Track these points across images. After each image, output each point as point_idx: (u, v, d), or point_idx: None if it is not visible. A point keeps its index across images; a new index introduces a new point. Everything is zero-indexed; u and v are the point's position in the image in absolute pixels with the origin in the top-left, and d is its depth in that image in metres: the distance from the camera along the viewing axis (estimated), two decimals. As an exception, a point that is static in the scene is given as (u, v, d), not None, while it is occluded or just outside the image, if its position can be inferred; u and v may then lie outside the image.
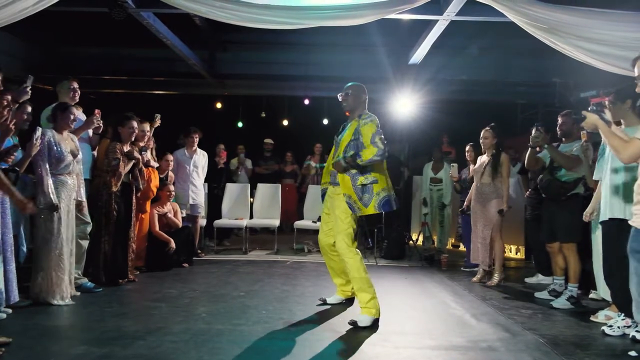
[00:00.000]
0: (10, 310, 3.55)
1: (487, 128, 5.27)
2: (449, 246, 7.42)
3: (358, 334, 3.41)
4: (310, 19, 4.76)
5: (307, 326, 3.56)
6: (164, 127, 5.73)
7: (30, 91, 3.93)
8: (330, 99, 9.68)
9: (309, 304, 4.20)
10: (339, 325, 3.60)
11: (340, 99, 3.94)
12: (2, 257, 3.20)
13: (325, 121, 10.40)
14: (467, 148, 6.09)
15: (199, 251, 6.40)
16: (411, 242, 7.22)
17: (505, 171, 5.14)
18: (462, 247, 7.35)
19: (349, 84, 3.99)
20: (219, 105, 10.06)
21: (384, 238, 6.90)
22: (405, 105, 7.82)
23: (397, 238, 6.87)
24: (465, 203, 5.83)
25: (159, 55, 8.24)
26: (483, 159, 5.34)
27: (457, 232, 7.49)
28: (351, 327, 3.53)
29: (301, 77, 8.92)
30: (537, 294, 4.66)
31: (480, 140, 5.31)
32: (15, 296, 3.46)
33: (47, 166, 3.85)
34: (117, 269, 4.65)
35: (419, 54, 7.16)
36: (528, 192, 5.38)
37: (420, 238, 7.12)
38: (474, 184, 5.42)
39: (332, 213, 3.87)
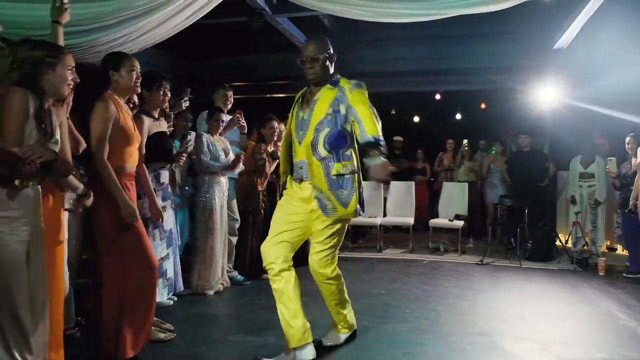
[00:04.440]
0: (176, 298, 3.90)
1: None
2: (603, 249, 6.67)
3: (513, 341, 3.17)
4: (449, 9, 4.56)
5: (455, 329, 3.41)
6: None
7: (186, 103, 4.28)
8: (462, 92, 9.30)
9: (452, 305, 4.04)
10: (491, 329, 3.40)
11: (306, 68, 2.81)
12: (172, 248, 3.51)
13: (458, 116, 9.98)
14: (627, 139, 5.45)
15: (334, 248, 6.50)
16: (559, 242, 6.62)
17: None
18: (620, 250, 6.56)
19: (309, 42, 2.93)
20: (349, 104, 10.16)
21: (528, 238, 6.41)
22: (549, 94, 7.19)
23: (543, 238, 6.35)
24: (631, 202, 5.17)
25: (290, 59, 8.53)
26: None
27: (615, 233, 6.71)
28: (493, 335, 3.31)
29: (431, 72, 8.64)
30: None
31: None
32: (180, 285, 3.79)
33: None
34: (260, 264, 4.87)
35: (565, 38, 6.53)
36: None
37: (570, 239, 6.49)
38: (637, 179, 4.79)
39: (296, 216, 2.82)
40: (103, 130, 2.65)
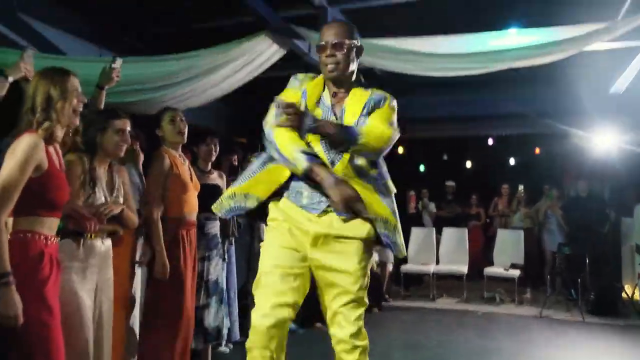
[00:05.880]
0: (231, 346, 4.02)
1: None
2: (674, 302, 6.27)
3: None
4: (498, 62, 4.63)
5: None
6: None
7: (235, 163, 4.49)
8: (516, 136, 9.21)
9: (510, 361, 3.94)
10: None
11: (324, 56, 2.04)
12: (223, 297, 3.62)
13: (512, 161, 9.86)
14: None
15: (387, 296, 6.48)
16: (624, 295, 6.29)
17: None
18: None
19: (332, 23, 2.30)
20: (400, 149, 10.24)
21: (590, 289, 6.14)
22: (607, 140, 7.02)
23: (606, 290, 6.06)
24: None
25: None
26: None
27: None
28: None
29: (484, 117, 8.61)
30: None
31: None
32: (237, 334, 3.91)
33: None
34: (313, 310, 4.94)
35: (621, 82, 6.43)
36: None
37: (637, 291, 6.16)
38: None
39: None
40: (154, 187, 2.80)
